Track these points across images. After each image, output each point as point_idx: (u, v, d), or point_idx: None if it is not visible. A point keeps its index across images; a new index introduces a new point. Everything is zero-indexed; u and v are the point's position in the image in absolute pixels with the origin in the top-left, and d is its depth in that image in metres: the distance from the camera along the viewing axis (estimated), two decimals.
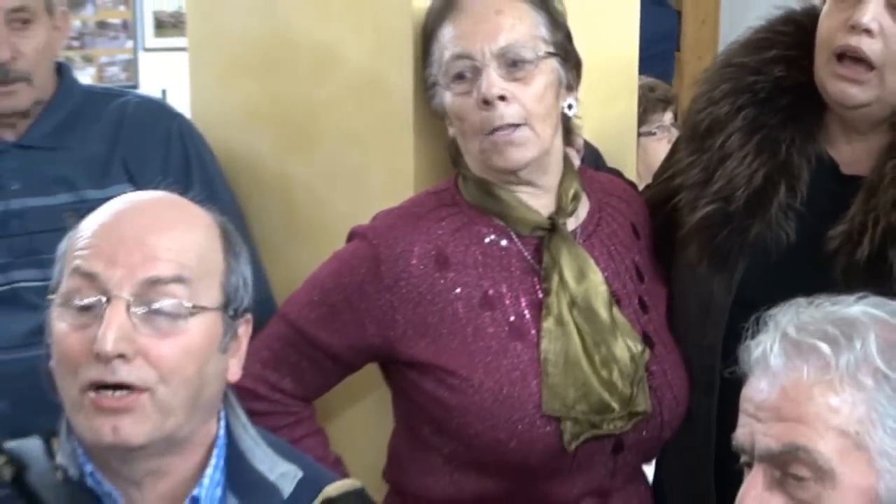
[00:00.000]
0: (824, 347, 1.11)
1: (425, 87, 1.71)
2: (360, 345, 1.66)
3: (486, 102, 1.54)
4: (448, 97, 1.62)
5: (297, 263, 1.89)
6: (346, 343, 1.65)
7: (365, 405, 1.92)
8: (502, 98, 1.54)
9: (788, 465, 1.12)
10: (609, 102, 2.05)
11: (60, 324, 1.24)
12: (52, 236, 2.01)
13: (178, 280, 1.24)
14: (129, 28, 6.39)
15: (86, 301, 1.22)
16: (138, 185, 2.00)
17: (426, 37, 1.68)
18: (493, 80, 1.54)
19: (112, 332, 1.17)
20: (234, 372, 1.36)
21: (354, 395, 1.90)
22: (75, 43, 6.04)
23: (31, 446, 1.35)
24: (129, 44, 6.38)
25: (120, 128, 2.09)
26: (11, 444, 1.35)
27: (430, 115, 1.76)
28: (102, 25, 6.27)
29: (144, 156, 2.06)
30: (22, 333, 2.07)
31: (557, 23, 1.63)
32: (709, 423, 1.66)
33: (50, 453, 1.33)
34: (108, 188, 2.03)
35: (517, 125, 1.56)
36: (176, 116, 2.16)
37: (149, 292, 1.22)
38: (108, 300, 1.20)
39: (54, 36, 2.08)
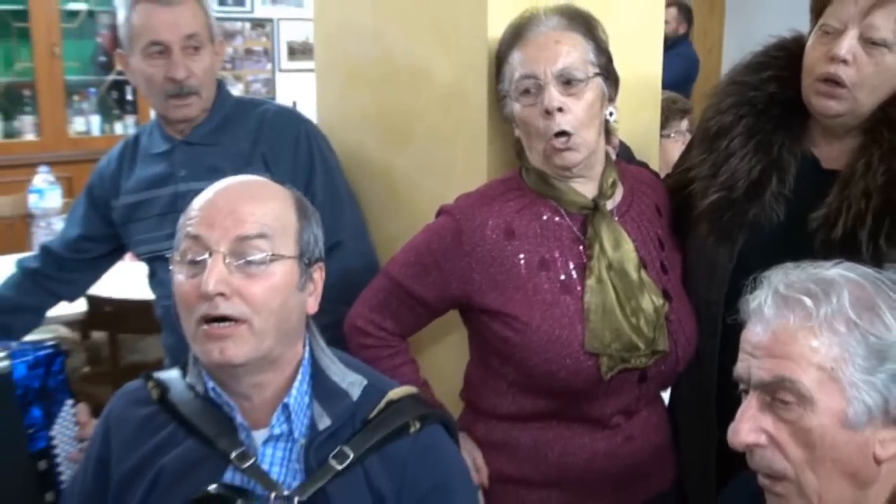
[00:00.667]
0: (807, 301, 1.12)
1: (497, 99, 1.72)
2: (444, 296, 1.70)
3: (548, 113, 1.57)
4: (517, 107, 1.63)
5: (397, 233, 1.92)
6: (434, 294, 1.70)
7: (447, 342, 1.95)
8: (560, 109, 1.56)
9: (777, 392, 1.12)
10: (638, 111, 2.05)
11: (178, 275, 1.34)
12: None
13: (261, 236, 1.33)
14: (268, 54, 6.54)
15: (195, 258, 1.31)
16: (274, 174, 2.04)
17: (499, 59, 1.69)
18: (553, 96, 1.56)
19: (213, 277, 1.27)
20: (312, 306, 1.43)
21: (439, 334, 1.94)
22: (228, 65, 6.19)
23: (172, 374, 1.46)
24: (269, 66, 6.52)
25: (261, 129, 2.12)
26: (159, 374, 1.47)
27: (500, 121, 1.79)
28: (249, 52, 6.45)
29: (279, 151, 2.09)
30: None
31: (602, 49, 1.65)
32: (712, 359, 1.68)
33: (183, 379, 1.44)
34: (251, 174, 2.11)
35: (570, 133, 1.57)
36: (304, 121, 2.18)
37: (240, 247, 1.31)
38: (210, 255, 1.29)
39: (215, 59, 2.12)
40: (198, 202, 1.39)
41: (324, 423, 1.37)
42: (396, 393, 1.43)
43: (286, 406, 1.37)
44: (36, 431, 1.71)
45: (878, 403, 1.11)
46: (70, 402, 1.79)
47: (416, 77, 2.01)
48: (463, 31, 1.89)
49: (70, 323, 2.91)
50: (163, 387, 1.44)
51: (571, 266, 1.66)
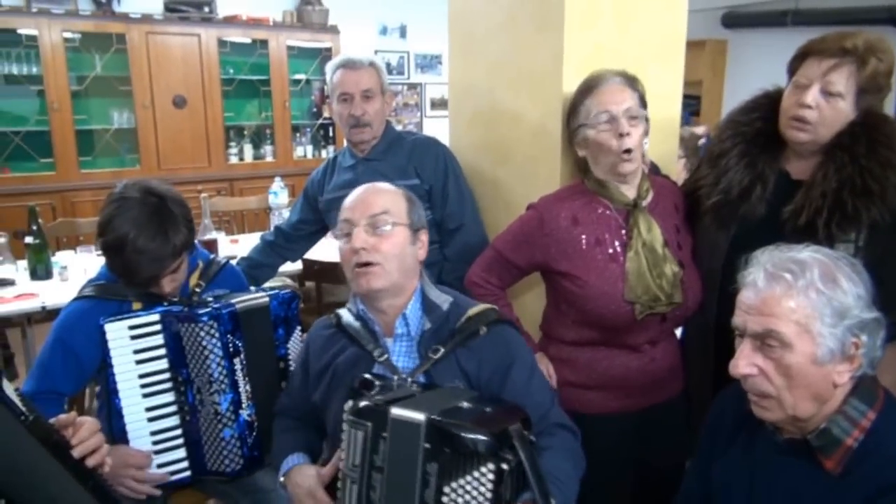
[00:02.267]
0: (788, 276, 1.09)
1: (569, 132, 1.69)
2: (531, 262, 1.68)
3: (622, 136, 1.54)
4: (593, 133, 1.59)
5: (501, 222, 1.89)
6: (524, 261, 1.68)
7: (532, 292, 1.93)
8: (628, 134, 1.54)
9: (766, 339, 1.10)
10: (664, 142, 2.01)
11: (340, 242, 1.42)
12: None
13: (383, 213, 1.39)
14: (418, 106, 6.56)
15: (347, 231, 1.40)
16: (422, 179, 2.08)
17: (574, 104, 1.65)
18: (624, 124, 1.54)
19: (358, 239, 1.38)
20: (421, 255, 1.47)
21: (527, 287, 1.91)
22: (393, 114, 6.25)
23: (344, 310, 1.51)
24: (419, 114, 6.56)
25: (413, 150, 2.13)
26: (339, 310, 1.52)
27: (569, 148, 1.75)
28: (406, 105, 6.48)
29: (425, 164, 2.10)
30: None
31: (643, 99, 1.62)
32: (711, 308, 1.63)
33: (349, 308, 1.49)
34: (407, 180, 2.07)
35: (632, 150, 1.55)
36: (442, 145, 2.18)
37: (371, 220, 1.40)
38: (355, 227, 1.38)
39: (385, 106, 2.13)
40: (346, 202, 1.46)
41: (427, 325, 1.42)
42: (475, 310, 1.46)
43: (404, 315, 1.42)
44: (279, 344, 1.78)
45: (838, 347, 1.08)
46: (299, 328, 1.85)
47: (514, 118, 1.99)
48: (546, 87, 1.86)
49: (292, 276, 2.98)
50: (338, 316, 1.50)
51: (617, 244, 1.62)
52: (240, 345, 1.67)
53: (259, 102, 5.55)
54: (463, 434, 1.09)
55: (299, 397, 1.56)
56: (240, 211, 4.40)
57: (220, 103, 5.17)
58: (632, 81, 1.62)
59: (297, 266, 2.91)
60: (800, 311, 1.08)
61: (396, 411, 1.16)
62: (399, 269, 1.39)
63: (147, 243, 1.54)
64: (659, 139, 1.85)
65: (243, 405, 1.68)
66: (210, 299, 1.72)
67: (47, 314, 2.59)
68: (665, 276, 1.59)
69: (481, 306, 1.48)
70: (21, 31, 4.49)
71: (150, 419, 1.66)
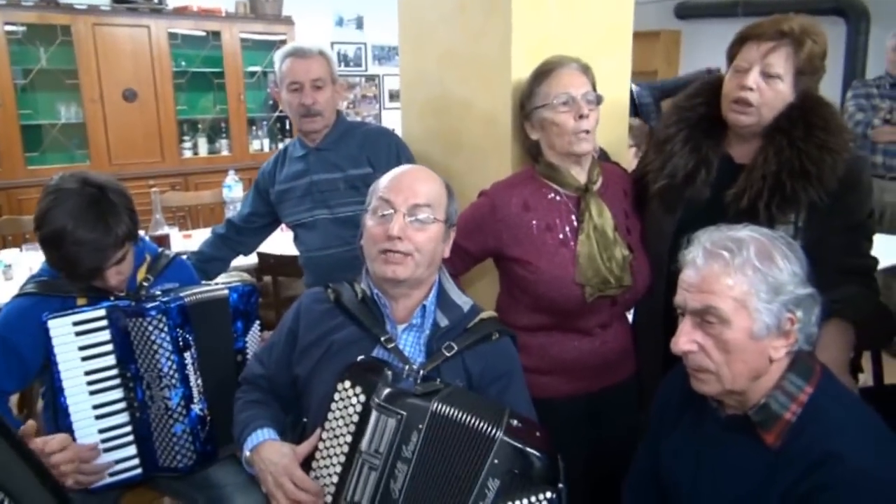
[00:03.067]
0: (726, 254, 1.11)
1: (522, 116, 1.68)
2: (483, 249, 1.68)
3: (581, 116, 1.55)
4: (551, 115, 1.58)
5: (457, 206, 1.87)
6: (477, 248, 1.68)
7: (485, 279, 1.92)
8: (587, 115, 1.56)
9: (705, 315, 1.12)
10: (614, 128, 2.02)
11: (370, 222, 1.38)
12: (332, 193, 2.12)
13: (427, 205, 1.36)
14: (377, 98, 6.52)
15: (384, 212, 1.36)
16: (375, 169, 2.06)
17: (530, 86, 1.64)
18: (583, 106, 1.56)
19: (397, 227, 1.32)
20: (446, 252, 1.47)
21: (480, 274, 1.91)
22: (351, 105, 6.27)
23: (343, 286, 1.47)
24: (377, 106, 6.53)
25: (365, 139, 2.11)
26: (333, 285, 1.48)
27: (518, 135, 1.76)
28: (364, 97, 6.47)
29: (377, 154, 2.08)
30: (319, 244, 2.14)
31: (594, 86, 1.63)
32: (660, 291, 1.65)
33: (352, 289, 1.44)
34: (359, 169, 2.08)
35: (589, 131, 1.57)
36: (394, 135, 2.18)
37: (413, 210, 1.36)
38: (395, 212, 1.34)
39: (335, 95, 2.12)
40: (387, 178, 1.43)
41: (443, 322, 1.41)
42: (486, 314, 1.47)
43: (424, 307, 1.41)
44: (237, 337, 1.77)
45: (774, 322, 1.10)
46: (258, 322, 1.83)
47: (464, 107, 1.99)
48: (495, 76, 1.85)
49: (248, 270, 2.93)
50: (337, 292, 1.45)
51: (567, 229, 1.63)
52: (190, 339, 1.64)
53: (213, 95, 5.45)
54: (537, 461, 1.12)
55: (277, 368, 1.49)
56: (194, 206, 4.32)
57: (173, 96, 5.06)
58: (586, 69, 1.64)
59: (253, 260, 2.87)
60: (737, 287, 1.10)
61: (440, 408, 1.16)
62: (426, 264, 1.38)
63: (86, 234, 1.50)
64: (608, 127, 1.86)
65: (195, 399, 1.66)
66: (158, 293, 1.69)
67: None
68: (615, 259, 1.61)
69: (491, 312, 1.49)
70: None
71: (98, 416, 1.62)
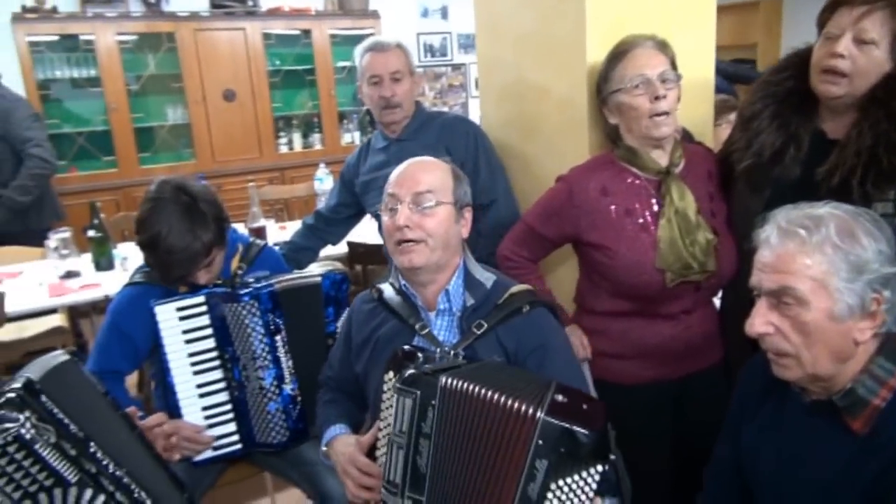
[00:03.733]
0: (802, 232, 1.07)
1: (599, 100, 1.66)
2: (561, 234, 1.68)
3: (657, 98, 1.53)
4: (627, 98, 1.56)
5: (531, 196, 1.86)
6: (554, 233, 1.68)
7: (565, 265, 1.92)
8: (664, 96, 1.53)
9: (781, 297, 1.08)
10: (697, 106, 1.96)
11: (384, 217, 1.43)
12: None
13: (429, 191, 1.39)
14: (463, 86, 6.55)
15: (392, 206, 1.41)
16: (453, 157, 2.05)
17: (605, 70, 1.62)
18: (659, 87, 1.53)
19: (402, 217, 1.37)
20: (465, 232, 1.47)
21: (559, 260, 1.91)
22: (438, 95, 6.36)
23: (385, 284, 1.52)
24: (464, 95, 6.55)
25: (443, 129, 2.14)
26: (378, 284, 1.53)
27: (595, 118, 1.75)
28: (451, 86, 6.48)
29: (455, 143, 2.09)
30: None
31: (674, 64, 1.59)
32: (746, 275, 1.58)
33: (391, 285, 1.50)
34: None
35: (668, 113, 1.53)
36: (471, 123, 2.19)
37: (417, 198, 1.39)
38: (401, 203, 1.38)
39: (414, 87, 2.15)
40: (393, 175, 1.47)
41: (470, 301, 1.43)
42: (517, 288, 1.47)
43: (447, 291, 1.44)
44: (329, 322, 1.85)
45: (857, 303, 1.05)
46: (349, 308, 1.88)
47: (540, 92, 1.98)
48: (570, 59, 1.84)
49: (339, 259, 3.05)
50: (379, 290, 1.52)
51: (647, 214, 1.61)
52: (280, 322, 1.74)
53: (306, 92, 5.65)
54: (583, 437, 1.09)
55: (341, 369, 1.60)
56: (289, 198, 4.51)
57: (268, 95, 5.29)
58: (663, 46, 1.60)
59: (343, 249, 2.98)
60: (815, 267, 1.06)
61: (449, 382, 1.18)
62: (441, 247, 1.40)
63: (176, 243, 1.63)
64: (690, 106, 1.81)
65: (286, 380, 1.76)
66: (251, 280, 1.80)
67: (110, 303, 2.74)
68: (698, 243, 1.57)
69: (522, 286, 1.49)
70: (77, 37, 4.69)
71: (201, 395, 1.75)
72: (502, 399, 1.15)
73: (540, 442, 1.09)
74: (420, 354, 1.28)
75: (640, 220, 1.60)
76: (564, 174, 1.70)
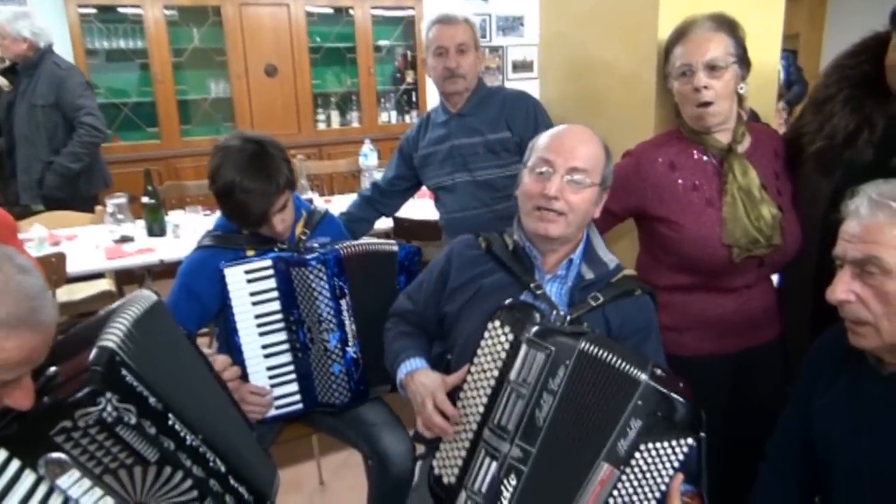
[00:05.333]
0: (893, 204, 1.08)
1: (664, 78, 1.66)
2: (627, 207, 1.69)
3: (696, 90, 1.53)
4: (676, 84, 1.59)
5: None
6: (619, 207, 1.68)
7: (626, 238, 1.93)
8: (706, 87, 1.52)
9: (865, 266, 1.09)
10: (763, 90, 1.95)
11: (527, 178, 1.42)
12: (473, 157, 2.18)
13: (585, 169, 1.38)
14: (500, 69, 6.46)
15: (542, 170, 1.39)
16: (513, 132, 2.11)
17: (667, 51, 1.63)
18: (701, 78, 1.53)
19: (554, 187, 1.36)
20: (596, 213, 1.48)
21: (618, 236, 1.91)
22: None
23: (493, 236, 1.53)
24: (500, 77, 6.47)
25: (504, 103, 2.15)
26: (485, 234, 1.55)
27: (663, 94, 1.74)
28: (487, 68, 6.35)
29: (515, 117, 2.11)
30: (459, 206, 2.21)
31: (740, 43, 1.57)
32: (811, 253, 1.60)
33: (502, 239, 1.50)
34: (498, 134, 2.13)
35: (711, 103, 1.53)
36: (532, 98, 2.20)
37: (571, 171, 1.38)
38: (553, 172, 1.37)
39: (477, 61, 2.17)
40: (548, 136, 1.45)
41: (588, 275, 1.45)
42: (629, 271, 1.50)
43: (571, 260, 1.45)
44: (399, 289, 1.84)
45: None
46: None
47: (606, 68, 1.98)
48: (640, 35, 1.83)
49: (385, 234, 3.08)
50: (488, 241, 1.53)
51: (713, 188, 1.61)
52: (345, 287, 1.78)
53: (345, 70, 5.67)
54: (681, 407, 1.13)
55: (426, 306, 1.59)
56: (330, 174, 4.55)
57: (309, 71, 5.32)
58: (726, 25, 1.58)
59: (388, 223, 3.01)
60: None
61: (588, 347, 1.21)
62: (578, 223, 1.42)
63: (252, 183, 1.66)
64: (753, 90, 1.76)
65: (349, 343, 1.80)
66: (316, 245, 1.84)
67: (165, 267, 2.80)
68: (763, 218, 1.57)
69: (632, 271, 1.52)
70: (125, 9, 4.75)
71: (266, 355, 1.79)
72: (617, 362, 1.19)
73: (639, 402, 1.13)
74: (536, 313, 1.30)
75: (707, 196, 1.61)
76: (631, 149, 1.71)
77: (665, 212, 1.62)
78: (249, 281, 1.77)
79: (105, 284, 3.38)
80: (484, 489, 1.22)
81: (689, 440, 1.14)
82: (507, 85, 6.56)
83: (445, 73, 2.12)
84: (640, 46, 1.83)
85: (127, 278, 3.53)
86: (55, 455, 0.97)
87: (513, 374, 1.23)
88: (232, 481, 1.22)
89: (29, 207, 3.58)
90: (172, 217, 3.28)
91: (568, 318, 1.37)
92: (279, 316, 1.79)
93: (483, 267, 1.51)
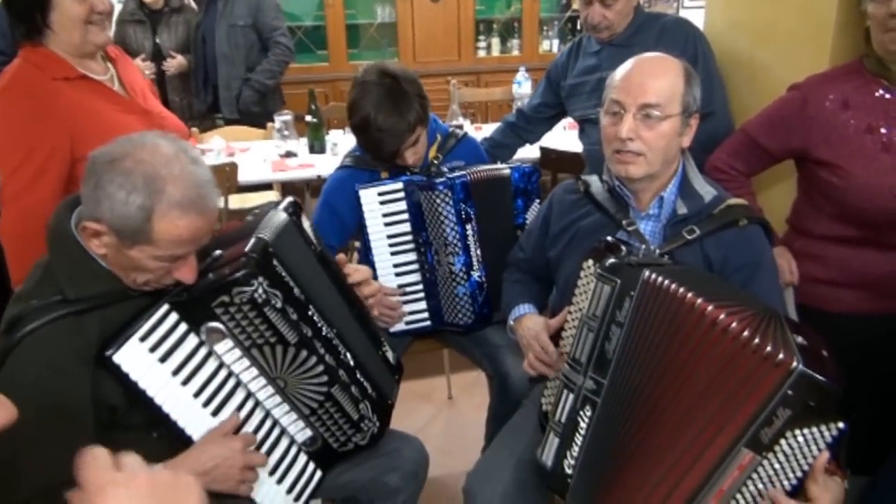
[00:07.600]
0: None
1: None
2: (787, 147, 1.55)
3: (892, 16, 1.33)
4: (871, 7, 1.38)
5: (754, 108, 1.70)
6: (778, 147, 1.55)
7: (782, 183, 1.78)
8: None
9: None
10: None
11: (604, 121, 1.36)
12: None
13: (657, 104, 1.29)
14: None
15: (614, 111, 1.33)
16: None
17: None
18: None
19: (625, 127, 1.29)
20: (686, 142, 1.36)
21: (774, 179, 1.77)
22: (647, 4, 5.70)
23: (592, 178, 1.49)
24: (675, 5, 5.93)
25: (662, 33, 1.99)
26: (584, 177, 1.50)
27: (844, 21, 1.55)
28: None
29: (673, 48, 1.76)
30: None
31: None
32: None
33: (600, 180, 1.46)
34: None
35: None
36: (692, 26, 2.01)
37: (643, 108, 1.29)
38: (625, 112, 1.30)
39: (627, 4, 1.97)
40: (619, 74, 1.36)
41: (682, 210, 1.35)
42: (734, 201, 1.37)
43: (661, 198, 1.38)
44: (517, 214, 1.87)
45: None
46: (538, 201, 1.89)
47: None
48: None
49: (532, 163, 3.00)
50: (586, 183, 1.49)
51: (894, 132, 1.41)
52: (471, 212, 1.78)
53: None
54: (834, 394, 0.98)
55: (534, 252, 1.60)
56: (485, 102, 4.50)
57: None
58: None
59: (535, 154, 2.94)
60: None
61: (650, 275, 1.14)
62: (661, 160, 1.34)
63: (385, 121, 1.68)
64: None
65: (474, 267, 1.81)
66: (446, 170, 1.84)
67: (321, 182, 2.94)
68: None
69: (740, 199, 1.38)
70: None
71: (397, 274, 1.86)
72: (714, 311, 1.05)
73: (789, 392, 0.98)
74: (623, 248, 1.26)
75: (884, 140, 1.42)
76: (799, 82, 1.55)
77: (831, 156, 1.46)
78: (382, 203, 1.82)
79: (272, 196, 3.64)
80: (563, 420, 1.22)
81: (840, 424, 0.99)
82: (682, 13, 6.06)
83: (588, 26, 2.01)
84: None
85: (291, 191, 3.77)
86: (214, 324, 1.12)
87: (586, 309, 1.20)
88: (358, 375, 1.33)
89: (212, 122, 3.87)
90: (332, 136, 3.43)
91: (657, 252, 1.30)
92: (409, 237, 1.84)
93: (582, 209, 1.47)
